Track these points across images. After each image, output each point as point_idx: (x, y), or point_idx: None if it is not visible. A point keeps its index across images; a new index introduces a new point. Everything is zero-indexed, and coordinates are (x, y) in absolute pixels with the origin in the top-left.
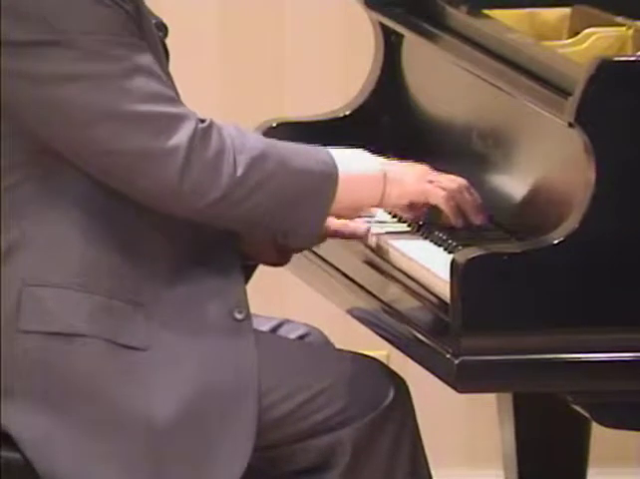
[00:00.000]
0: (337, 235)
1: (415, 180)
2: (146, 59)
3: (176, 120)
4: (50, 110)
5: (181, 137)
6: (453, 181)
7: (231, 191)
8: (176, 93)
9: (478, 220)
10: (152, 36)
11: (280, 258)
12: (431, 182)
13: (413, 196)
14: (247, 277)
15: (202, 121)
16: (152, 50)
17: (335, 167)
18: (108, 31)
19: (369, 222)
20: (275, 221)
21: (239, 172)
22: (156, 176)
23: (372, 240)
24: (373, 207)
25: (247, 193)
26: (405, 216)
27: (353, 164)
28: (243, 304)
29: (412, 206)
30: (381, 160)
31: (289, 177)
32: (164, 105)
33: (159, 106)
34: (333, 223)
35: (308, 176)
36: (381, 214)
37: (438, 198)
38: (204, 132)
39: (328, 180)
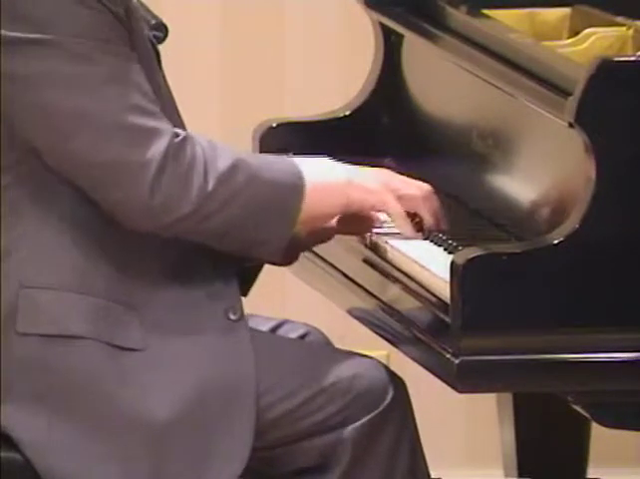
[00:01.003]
0: (340, 232)
1: (378, 188)
2: (130, 68)
3: (151, 134)
4: (32, 111)
5: (155, 151)
6: (415, 188)
7: (201, 205)
8: (172, 100)
9: (434, 229)
10: (142, 41)
11: (285, 258)
12: (393, 190)
13: (374, 204)
14: (252, 280)
15: (177, 135)
16: (141, 56)
17: (302, 178)
18: (96, 36)
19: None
20: (245, 233)
21: (210, 186)
22: (127, 188)
23: (372, 240)
24: (337, 214)
25: (218, 207)
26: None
27: (318, 173)
28: (237, 306)
29: (374, 214)
30: (347, 167)
31: (258, 190)
32: (141, 117)
33: (136, 117)
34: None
35: (276, 188)
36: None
37: (394, 212)
38: (178, 147)
39: (295, 192)
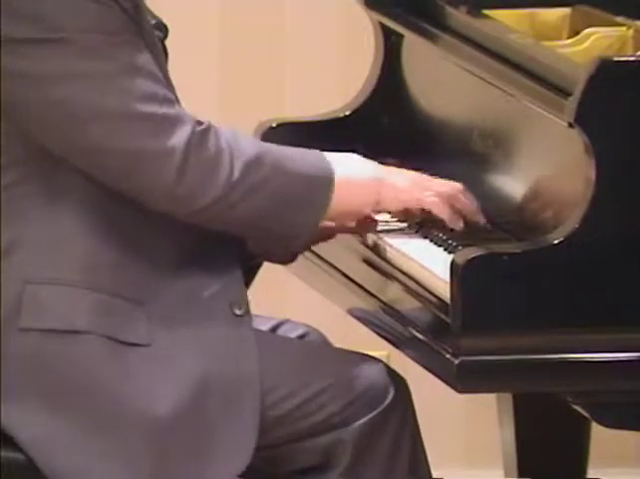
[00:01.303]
0: (344, 230)
1: (409, 186)
2: (143, 58)
3: (174, 121)
4: (46, 109)
5: (179, 139)
6: (446, 185)
7: (227, 194)
8: (175, 94)
9: (475, 222)
10: (150, 36)
11: (287, 256)
12: (425, 188)
13: (406, 202)
14: (251, 278)
15: (200, 123)
16: (150, 50)
17: (331, 171)
18: (106, 30)
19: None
20: (270, 224)
21: (235, 175)
22: (152, 177)
23: (372, 240)
24: (367, 212)
25: (242, 196)
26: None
27: (349, 168)
28: (243, 301)
29: (406, 212)
30: (376, 164)
31: (285, 181)
32: (162, 106)
33: (157, 106)
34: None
35: (304, 180)
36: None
37: (431, 205)
38: (202, 135)
39: (324, 184)
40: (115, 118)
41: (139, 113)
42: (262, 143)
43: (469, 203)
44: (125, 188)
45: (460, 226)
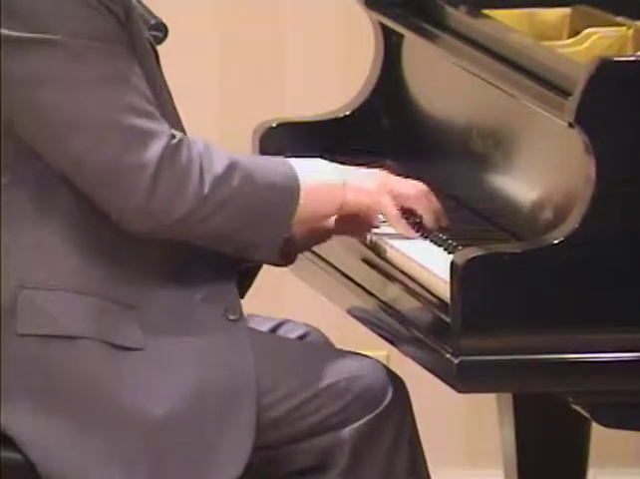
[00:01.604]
0: (339, 233)
1: (373, 189)
2: (130, 69)
3: (148, 136)
4: (28, 111)
5: (152, 153)
6: (410, 187)
7: (197, 208)
8: (170, 98)
9: (431, 226)
10: (141, 42)
11: (284, 259)
12: (389, 191)
13: (370, 205)
14: (250, 280)
15: (173, 136)
16: (140, 57)
17: (297, 180)
18: (94, 35)
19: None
20: (240, 235)
21: (206, 189)
22: (124, 190)
23: (372, 240)
24: (332, 215)
25: (213, 210)
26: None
27: (313, 174)
28: (236, 306)
29: (370, 214)
30: (342, 168)
31: (254, 192)
32: (138, 119)
33: (134, 119)
34: (332, 222)
35: (272, 191)
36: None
37: (390, 214)
38: (174, 149)
39: (290, 193)
40: (93, 129)
41: (117, 125)
42: (233, 155)
43: (427, 207)
44: (98, 201)
45: (415, 237)
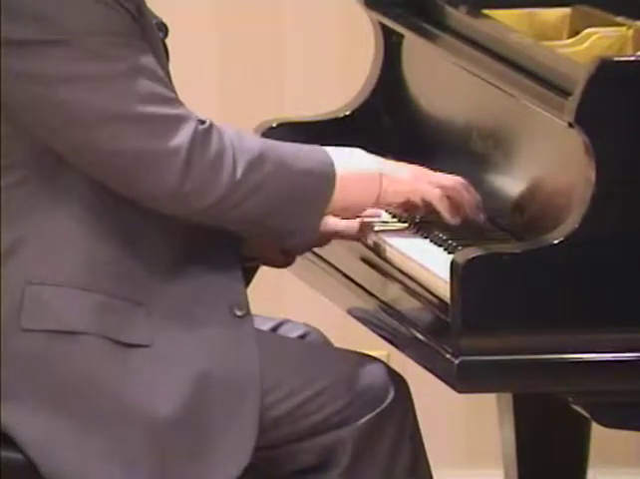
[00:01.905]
0: (341, 236)
1: (411, 178)
2: (147, 60)
3: (177, 121)
4: (50, 110)
5: (182, 138)
6: (449, 179)
7: (231, 192)
8: (176, 94)
9: (475, 218)
10: (153, 37)
11: (284, 260)
12: (427, 181)
13: (408, 194)
14: (249, 279)
15: (202, 122)
16: (153, 51)
17: (332, 167)
18: (109, 31)
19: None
20: (274, 221)
21: (239, 173)
22: (156, 177)
23: (372, 240)
24: (369, 205)
25: (246, 194)
26: (402, 215)
27: (350, 163)
28: (243, 303)
29: (407, 204)
30: (377, 158)
31: (288, 178)
32: (165, 106)
33: (159, 107)
34: (337, 224)
35: (306, 177)
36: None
37: (432, 196)
38: (205, 133)
39: (326, 180)
40: (118, 120)
41: (141, 114)
42: (265, 140)
43: (470, 197)
44: (129, 190)
45: (456, 221)
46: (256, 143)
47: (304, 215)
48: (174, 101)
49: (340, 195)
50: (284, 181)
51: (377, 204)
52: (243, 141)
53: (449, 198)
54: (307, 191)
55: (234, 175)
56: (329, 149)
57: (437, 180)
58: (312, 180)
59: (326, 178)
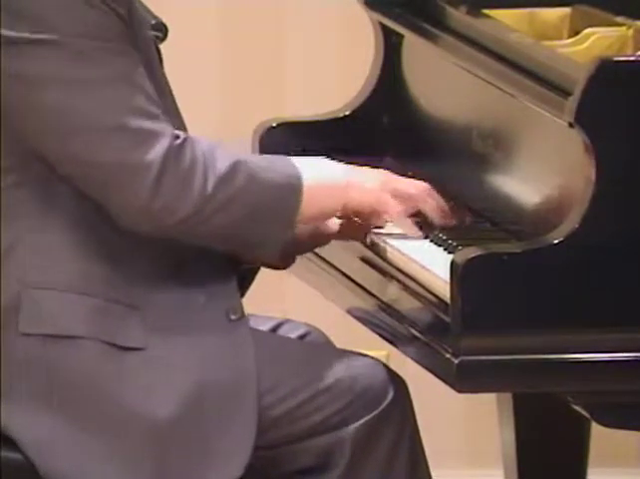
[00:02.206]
0: (340, 237)
1: (376, 188)
2: (133, 69)
3: (152, 136)
4: (32, 112)
5: (156, 153)
6: (412, 188)
7: (201, 208)
8: (172, 98)
9: (440, 225)
10: (145, 42)
11: (282, 261)
12: (393, 190)
13: (373, 204)
14: (249, 282)
15: (177, 137)
16: (144, 57)
17: (299, 179)
18: (99, 36)
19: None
20: (243, 235)
21: (209, 188)
22: (128, 190)
23: (372, 240)
24: (336, 214)
25: (217, 209)
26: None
27: (317, 173)
28: (237, 306)
29: (373, 214)
30: (345, 167)
31: (257, 192)
32: (142, 119)
33: (139, 120)
34: (334, 225)
35: (275, 190)
36: None
37: (393, 213)
38: (178, 149)
39: (293, 192)
40: (97, 129)
41: (120, 125)
42: (236, 154)
43: (433, 205)
44: (102, 201)
45: (419, 236)
46: (228, 157)
47: (274, 227)
48: (153, 115)
49: (307, 205)
50: (254, 195)
51: (344, 212)
52: (215, 155)
53: (414, 206)
54: (276, 203)
55: (205, 190)
56: (296, 160)
57: (401, 188)
58: (280, 192)
59: (293, 190)
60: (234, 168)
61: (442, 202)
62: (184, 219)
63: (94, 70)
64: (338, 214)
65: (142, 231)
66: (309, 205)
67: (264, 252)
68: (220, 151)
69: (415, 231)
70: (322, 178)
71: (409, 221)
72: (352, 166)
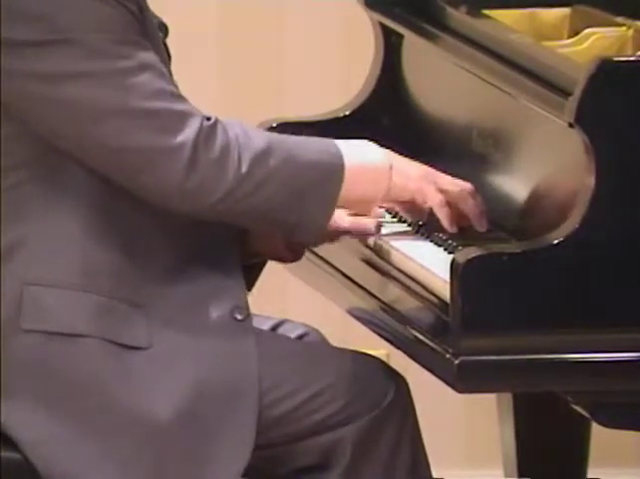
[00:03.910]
0: (348, 233)
1: (419, 176)
2: (150, 57)
3: (183, 117)
4: (56, 109)
5: (188, 134)
6: (456, 184)
7: (236, 187)
8: (179, 91)
9: (478, 226)
10: (155, 36)
11: (291, 255)
12: (435, 182)
13: (414, 192)
14: (255, 276)
15: (208, 118)
16: (155, 49)
17: (341, 158)
18: (111, 30)
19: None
20: (281, 216)
21: (244, 168)
22: (162, 173)
23: (372, 240)
24: (378, 199)
25: (252, 189)
26: (405, 215)
27: (359, 155)
28: (244, 305)
29: (412, 203)
30: (389, 152)
31: (294, 171)
32: (170, 102)
33: (165, 103)
34: (344, 221)
35: (314, 169)
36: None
37: (434, 200)
38: (210, 129)
39: (334, 172)
40: (122, 116)
41: (146, 110)
42: (272, 134)
43: (475, 205)
44: (135, 187)
45: (454, 229)
46: (262, 137)
47: (312, 208)
48: (179, 97)
49: (349, 187)
50: (291, 174)
51: (386, 198)
52: (249, 136)
53: (453, 203)
54: (315, 183)
55: (240, 170)
56: (339, 141)
57: (444, 183)
58: (320, 172)
59: (334, 170)
60: (269, 147)
61: (481, 204)
62: (220, 199)
63: (111, 62)
64: (379, 199)
65: (178, 211)
66: (351, 187)
67: (303, 235)
68: (254, 131)
69: (452, 222)
70: (366, 159)
71: (449, 212)
72: (395, 153)
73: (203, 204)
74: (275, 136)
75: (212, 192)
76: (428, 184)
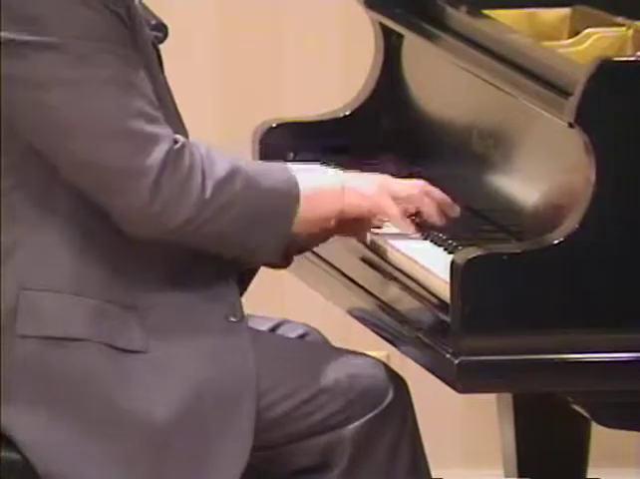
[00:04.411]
0: (341, 233)
1: (373, 191)
2: (132, 71)
3: (151, 140)
4: (31, 113)
5: (155, 158)
6: (406, 189)
7: (199, 212)
8: (171, 99)
9: (442, 220)
10: (144, 42)
11: (282, 261)
12: (390, 193)
13: (370, 208)
14: (248, 281)
15: (176, 142)
16: (143, 57)
17: (296, 185)
18: (97, 37)
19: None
20: (240, 240)
21: (207, 193)
22: (127, 194)
23: (372, 240)
24: (333, 219)
25: (215, 214)
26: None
27: (312, 180)
28: (237, 309)
29: (371, 217)
30: (340, 172)
31: (255, 197)
32: (142, 123)
33: (136, 123)
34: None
35: (272, 196)
36: None
37: (391, 214)
38: (177, 153)
39: (290, 198)
40: (96, 132)
41: (121, 129)
42: (234, 159)
43: (430, 204)
44: (104, 205)
45: (416, 234)
46: (226, 163)
47: (271, 232)
48: (153, 118)
49: (304, 210)
50: (251, 200)
51: (341, 216)
52: (214, 161)
53: (412, 208)
54: (273, 209)
55: (203, 194)
56: (292, 166)
57: (398, 191)
58: (277, 198)
59: (290, 195)
60: (232, 172)
61: (440, 195)
62: (183, 223)
63: (92, 71)
64: (334, 219)
65: (142, 234)
66: (306, 211)
67: (262, 258)
68: (218, 155)
69: (414, 231)
70: (318, 183)
71: (408, 221)
72: (348, 171)
73: (166, 227)
74: (237, 162)
75: (176, 215)
76: (383, 197)
